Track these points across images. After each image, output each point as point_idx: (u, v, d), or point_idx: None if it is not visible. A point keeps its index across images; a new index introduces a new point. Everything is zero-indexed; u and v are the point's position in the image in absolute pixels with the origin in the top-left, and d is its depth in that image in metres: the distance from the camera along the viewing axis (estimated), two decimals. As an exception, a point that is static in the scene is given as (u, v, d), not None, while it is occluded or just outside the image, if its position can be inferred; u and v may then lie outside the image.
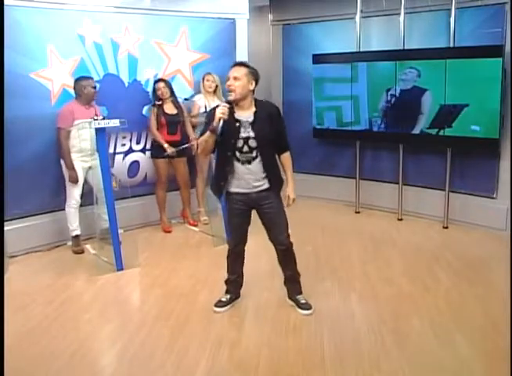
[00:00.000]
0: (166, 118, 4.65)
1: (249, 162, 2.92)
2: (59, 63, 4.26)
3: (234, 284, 3.28)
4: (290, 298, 3.24)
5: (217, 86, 4.87)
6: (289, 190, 3.07)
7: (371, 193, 5.58)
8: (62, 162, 4.18)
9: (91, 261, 4.13)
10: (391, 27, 5.15)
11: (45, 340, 2.88)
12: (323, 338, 2.86)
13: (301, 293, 3.22)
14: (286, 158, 3.08)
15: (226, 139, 2.87)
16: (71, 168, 4.10)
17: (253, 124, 2.89)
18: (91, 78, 4.23)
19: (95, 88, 4.14)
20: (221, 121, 2.78)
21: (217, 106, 2.92)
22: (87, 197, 4.26)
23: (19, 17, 3.99)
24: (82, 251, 4.28)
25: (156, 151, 4.73)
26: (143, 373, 2.58)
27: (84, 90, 4.09)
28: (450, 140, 4.78)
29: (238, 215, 3.06)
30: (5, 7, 3.48)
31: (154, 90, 4.69)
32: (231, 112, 2.86)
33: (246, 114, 2.91)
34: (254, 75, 2.92)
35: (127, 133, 4.73)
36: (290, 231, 3.10)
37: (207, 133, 2.87)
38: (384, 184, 5.50)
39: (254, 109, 2.93)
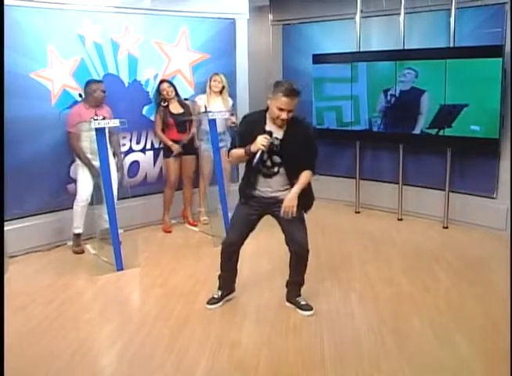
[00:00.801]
0: (173, 118, 4.67)
1: (270, 176, 2.91)
2: (60, 63, 4.26)
3: (227, 280, 3.28)
4: (288, 300, 3.23)
5: (223, 87, 4.87)
6: (288, 195, 2.86)
7: (371, 193, 5.58)
8: (74, 163, 4.22)
9: (91, 261, 4.13)
10: (391, 27, 5.15)
11: (45, 340, 2.87)
12: (323, 338, 2.86)
13: (299, 295, 3.21)
14: (304, 174, 2.91)
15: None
16: (91, 165, 4.12)
17: (282, 140, 2.85)
18: (102, 82, 4.27)
19: (104, 92, 4.19)
20: (260, 152, 2.75)
21: (246, 116, 2.92)
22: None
23: (19, 17, 3.99)
24: (82, 251, 4.28)
25: (168, 151, 4.76)
26: (143, 373, 2.58)
27: (94, 93, 4.13)
28: (450, 140, 4.78)
29: (246, 216, 3.05)
30: (5, 7, 3.48)
31: (158, 91, 4.71)
32: (263, 123, 2.84)
33: (277, 129, 2.86)
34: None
35: (127, 133, 4.73)
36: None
37: (243, 152, 2.84)
38: (384, 184, 5.50)
39: (285, 125, 2.86)
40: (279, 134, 2.85)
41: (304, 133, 2.92)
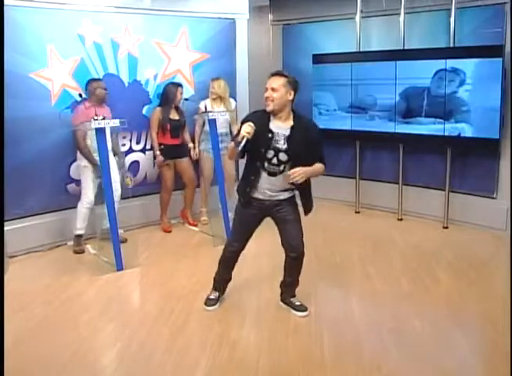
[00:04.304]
0: (171, 124, 4.66)
1: (274, 174, 2.87)
2: (59, 63, 4.26)
3: (223, 282, 3.27)
4: (283, 300, 3.22)
5: (220, 96, 4.82)
6: (303, 168, 2.76)
7: (371, 193, 5.58)
8: (79, 162, 4.22)
9: (91, 261, 4.13)
10: (391, 27, 5.15)
11: (45, 340, 2.87)
12: (323, 338, 2.86)
13: (294, 296, 3.20)
14: (318, 164, 2.89)
15: (256, 148, 2.81)
16: (96, 163, 4.10)
17: (288, 138, 2.82)
18: (101, 80, 4.30)
19: (105, 89, 4.22)
20: (245, 140, 2.73)
21: (250, 115, 2.92)
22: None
23: (19, 17, 3.99)
24: (83, 251, 4.28)
25: (162, 155, 4.73)
26: (143, 373, 2.58)
27: (95, 91, 4.16)
28: (450, 140, 4.78)
29: (247, 220, 3.03)
30: (5, 7, 3.47)
31: (167, 92, 4.63)
32: (266, 121, 2.83)
33: (282, 126, 2.84)
34: (293, 85, 2.83)
35: (127, 133, 4.73)
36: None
37: (232, 144, 2.86)
38: (384, 184, 5.50)
39: (291, 123, 2.85)
40: (285, 131, 2.84)
41: (310, 130, 2.90)
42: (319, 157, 2.92)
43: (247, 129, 2.72)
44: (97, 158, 4.07)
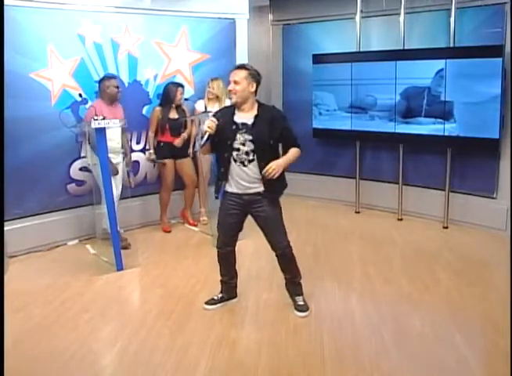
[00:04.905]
0: (170, 123, 4.66)
1: (244, 164, 2.92)
2: (59, 63, 4.26)
3: (226, 286, 3.28)
4: (290, 297, 3.24)
5: (217, 97, 4.82)
6: (275, 162, 2.87)
7: (371, 193, 5.58)
8: (91, 161, 4.15)
9: (91, 261, 4.13)
10: (391, 27, 5.15)
11: (45, 340, 2.88)
12: (323, 338, 2.86)
13: (299, 294, 3.20)
14: (292, 149, 2.97)
15: (223, 140, 2.91)
16: (110, 162, 4.04)
17: (252, 127, 2.90)
18: (115, 78, 4.26)
19: (117, 87, 4.18)
20: (207, 135, 2.84)
21: (217, 112, 2.99)
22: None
23: (19, 17, 3.99)
24: (129, 245, 4.32)
25: (161, 153, 4.73)
26: (143, 373, 2.58)
27: (106, 90, 4.13)
28: (450, 140, 4.78)
29: (229, 215, 3.06)
30: (5, 7, 3.48)
31: (167, 91, 4.64)
32: (231, 114, 2.92)
33: (246, 117, 2.92)
34: (255, 77, 2.92)
35: (127, 133, 4.72)
36: (288, 237, 3.08)
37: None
38: (384, 184, 5.50)
39: (255, 112, 2.93)
40: (249, 121, 2.91)
41: (275, 117, 2.97)
42: (292, 142, 3.00)
43: (209, 124, 2.85)
44: (111, 155, 4.04)
